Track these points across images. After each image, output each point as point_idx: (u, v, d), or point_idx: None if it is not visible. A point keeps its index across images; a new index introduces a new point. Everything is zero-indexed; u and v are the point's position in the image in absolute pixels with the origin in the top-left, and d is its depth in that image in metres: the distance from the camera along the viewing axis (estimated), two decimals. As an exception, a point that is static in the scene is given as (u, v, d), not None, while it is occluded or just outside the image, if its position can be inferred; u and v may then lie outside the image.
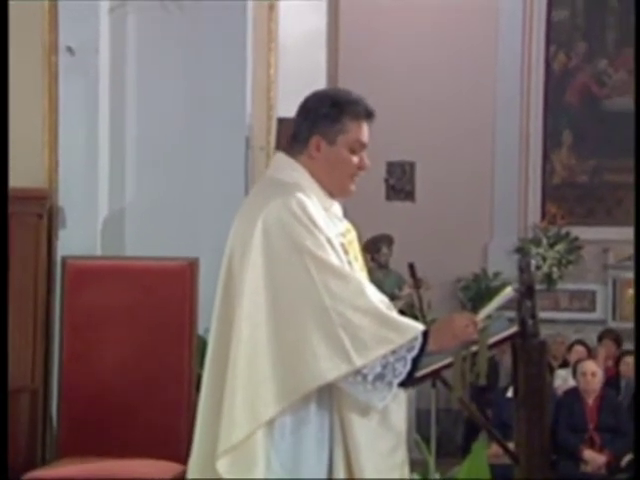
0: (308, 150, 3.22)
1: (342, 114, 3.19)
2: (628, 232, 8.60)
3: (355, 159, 3.23)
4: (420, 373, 3.12)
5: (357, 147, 3.23)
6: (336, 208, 3.30)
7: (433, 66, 11.04)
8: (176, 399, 5.00)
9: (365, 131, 3.24)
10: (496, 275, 10.80)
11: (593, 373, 7.74)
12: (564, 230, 11.16)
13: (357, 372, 3.05)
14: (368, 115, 3.24)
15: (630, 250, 9.51)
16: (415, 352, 3.08)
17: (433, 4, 11.01)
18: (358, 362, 3.03)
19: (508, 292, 3.29)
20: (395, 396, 3.12)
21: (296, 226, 3.08)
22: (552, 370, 8.63)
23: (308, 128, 3.21)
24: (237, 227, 3.20)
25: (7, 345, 4.84)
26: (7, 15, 5.05)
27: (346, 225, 3.30)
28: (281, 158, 3.29)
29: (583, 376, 7.74)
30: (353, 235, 3.30)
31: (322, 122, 3.19)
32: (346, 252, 3.20)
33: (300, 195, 3.13)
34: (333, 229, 3.19)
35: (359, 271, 3.24)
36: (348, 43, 10.71)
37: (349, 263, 3.19)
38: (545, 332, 3.68)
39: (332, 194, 3.26)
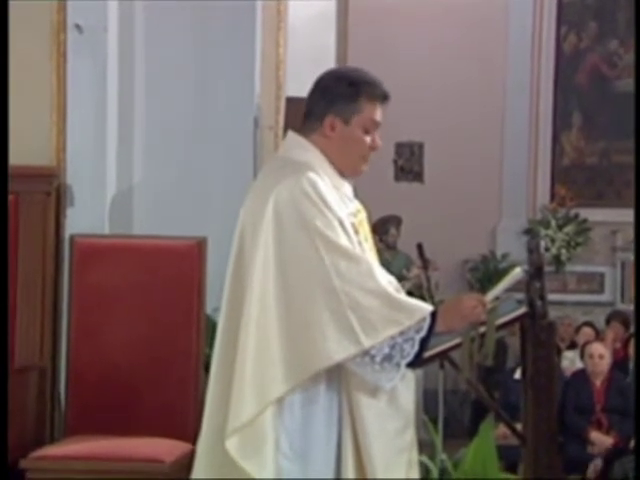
0: (322, 129, 3.21)
1: (359, 94, 3.19)
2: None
3: (368, 139, 3.23)
4: (428, 354, 3.12)
5: (371, 127, 3.23)
6: (347, 188, 3.29)
7: (443, 47, 10.99)
8: (184, 378, 5.01)
9: (379, 112, 3.23)
10: (504, 256, 10.79)
11: (600, 355, 7.74)
12: (573, 212, 11.14)
13: (365, 353, 3.05)
14: (384, 98, 3.24)
15: (640, 232, 9.50)
16: (423, 333, 3.08)
17: (443, -15, 10.96)
18: (366, 343, 3.04)
19: (517, 273, 3.29)
20: (403, 377, 3.12)
21: (307, 205, 3.08)
22: (560, 352, 8.63)
23: (324, 107, 3.20)
24: (248, 206, 3.20)
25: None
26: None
27: (357, 205, 3.30)
28: (293, 137, 3.29)
29: (590, 358, 7.74)
30: (363, 215, 3.30)
31: (338, 101, 3.19)
32: (356, 232, 3.20)
33: (312, 174, 3.13)
34: (344, 209, 3.19)
35: (369, 251, 3.24)
36: (357, 24, 10.66)
37: (359, 243, 3.19)
38: (553, 314, 3.68)
39: (343, 173, 3.26)
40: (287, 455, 3.09)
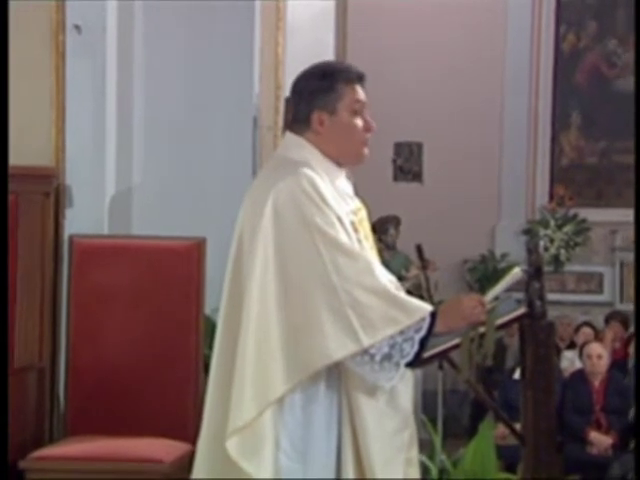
0: (312, 127, 3.21)
1: (334, 82, 3.20)
2: (637, 214, 8.58)
3: (359, 122, 3.23)
4: (427, 354, 3.12)
5: (358, 107, 3.23)
6: (347, 186, 3.30)
7: (442, 47, 10.99)
8: (183, 378, 5.01)
9: (361, 92, 3.23)
10: (503, 256, 10.79)
11: (599, 355, 7.73)
12: (572, 212, 11.14)
13: (365, 352, 3.05)
14: (360, 78, 3.25)
15: (639, 232, 9.50)
16: (423, 333, 3.08)
17: (442, -16, 10.97)
18: (366, 342, 3.03)
19: (516, 273, 3.29)
20: (402, 376, 3.12)
21: (306, 204, 3.08)
22: (559, 352, 8.63)
23: (306, 106, 3.21)
24: (247, 206, 3.20)
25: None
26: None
27: (357, 203, 3.29)
28: (290, 137, 3.29)
29: (589, 358, 7.73)
30: (363, 214, 3.30)
31: (317, 96, 3.19)
32: (356, 230, 3.20)
33: (310, 173, 3.13)
34: (344, 207, 3.19)
35: (369, 250, 3.23)
36: (356, 23, 10.65)
37: (359, 241, 3.19)
38: (552, 314, 3.68)
39: (346, 163, 3.25)
40: (288, 454, 3.09)
